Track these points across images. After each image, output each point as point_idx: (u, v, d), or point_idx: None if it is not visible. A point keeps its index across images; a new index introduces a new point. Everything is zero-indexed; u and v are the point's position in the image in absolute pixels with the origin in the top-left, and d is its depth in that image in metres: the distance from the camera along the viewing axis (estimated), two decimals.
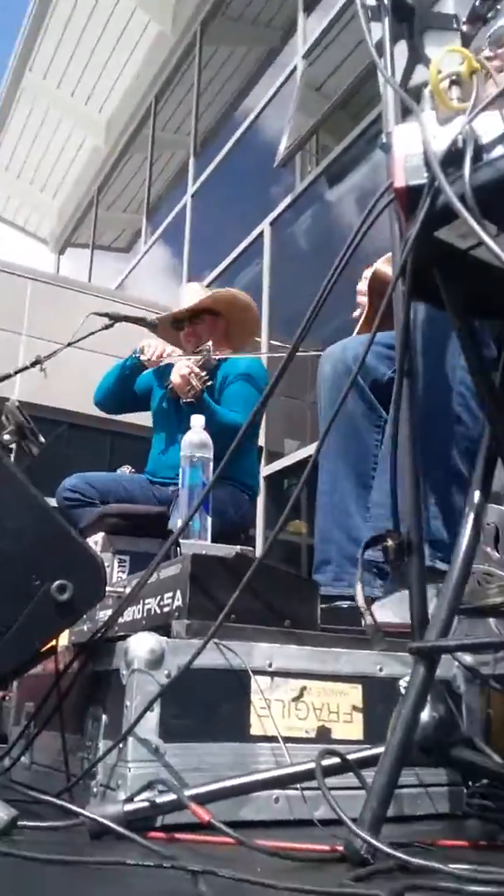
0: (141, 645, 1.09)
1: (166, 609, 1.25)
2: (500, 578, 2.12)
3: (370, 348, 1.29)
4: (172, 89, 9.77)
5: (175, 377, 2.58)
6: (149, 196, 10.28)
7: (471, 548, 0.99)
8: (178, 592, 1.21)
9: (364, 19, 1.33)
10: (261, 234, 6.93)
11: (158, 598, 1.28)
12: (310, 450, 5.54)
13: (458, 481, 1.55)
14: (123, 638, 1.14)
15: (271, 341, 6.14)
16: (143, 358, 2.89)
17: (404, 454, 1.08)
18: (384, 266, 1.84)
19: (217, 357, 2.68)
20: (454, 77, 1.04)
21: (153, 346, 2.89)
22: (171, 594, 1.24)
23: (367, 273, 1.94)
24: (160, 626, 1.23)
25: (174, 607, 1.22)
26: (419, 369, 1.59)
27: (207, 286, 3.38)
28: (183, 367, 2.56)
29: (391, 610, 1.40)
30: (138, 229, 10.50)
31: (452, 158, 0.94)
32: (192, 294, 3.02)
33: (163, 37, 9.29)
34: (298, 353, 1.26)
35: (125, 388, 3.02)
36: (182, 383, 2.52)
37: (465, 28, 1.38)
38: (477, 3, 1.35)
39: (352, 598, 1.57)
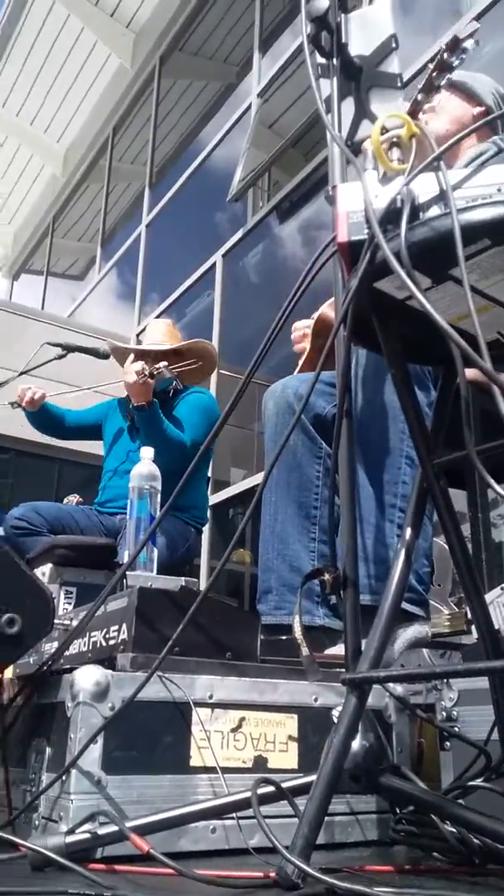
0: (86, 678, 1.11)
1: (112, 642, 1.27)
2: (434, 609, 2.19)
3: (314, 386, 1.35)
4: (130, 121, 9.89)
5: (129, 376, 2.62)
6: (104, 225, 10.34)
7: (402, 581, 1.04)
8: (124, 625, 1.24)
9: (314, 77, 1.40)
10: (213, 266, 7.02)
11: (104, 630, 1.30)
12: (255, 479, 5.59)
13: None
14: (69, 670, 1.16)
15: (221, 370, 6.20)
16: (17, 399, 3.03)
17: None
18: (328, 309, 1.91)
19: (168, 372, 2.75)
20: (395, 139, 1.11)
21: (24, 389, 3.02)
22: (116, 627, 1.26)
23: (299, 324, 2.03)
24: (105, 658, 1.24)
25: (119, 640, 1.24)
26: (365, 409, 1.65)
27: (158, 316, 3.46)
28: (137, 363, 2.62)
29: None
30: (93, 257, 10.53)
31: (391, 216, 1.00)
32: (162, 330, 3.10)
33: (122, 70, 9.42)
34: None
35: (44, 427, 3.16)
36: (135, 377, 2.57)
37: (433, 76, 1.46)
38: (446, 55, 1.43)
39: (291, 627, 1.61)
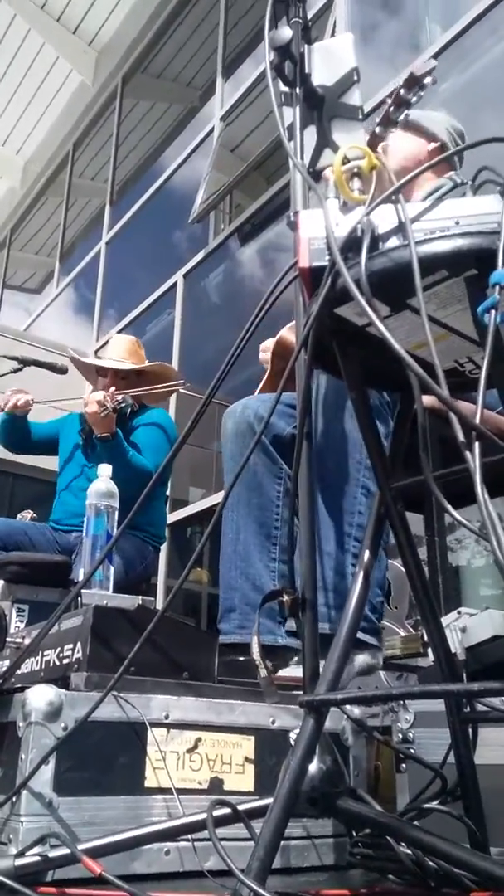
0: (39, 697, 1.10)
1: (66, 661, 1.25)
2: (391, 631, 2.21)
3: (275, 408, 1.36)
4: (91, 138, 9.89)
5: (90, 407, 2.60)
6: (63, 240, 10.29)
7: (360, 605, 1.05)
8: (79, 644, 1.23)
9: (276, 104, 1.43)
10: (174, 285, 7.04)
11: (58, 649, 1.29)
12: (214, 499, 5.58)
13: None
14: (21, 689, 1.14)
15: (181, 390, 6.19)
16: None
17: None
18: (287, 333, 1.94)
19: (132, 399, 2.75)
20: (356, 170, 1.14)
21: (10, 393, 2.94)
22: (71, 646, 1.25)
23: (267, 344, 2.04)
24: (59, 677, 1.23)
25: (74, 659, 1.23)
26: (323, 437, 1.67)
27: (121, 331, 3.42)
28: (97, 394, 2.60)
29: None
30: (51, 271, 10.47)
31: (351, 245, 1.02)
32: (125, 347, 3.08)
33: (84, 87, 9.43)
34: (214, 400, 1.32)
35: (12, 437, 3.06)
36: (97, 409, 2.55)
37: (390, 111, 1.50)
38: (402, 91, 1.48)
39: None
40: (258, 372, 2.16)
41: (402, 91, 1.38)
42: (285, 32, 1.39)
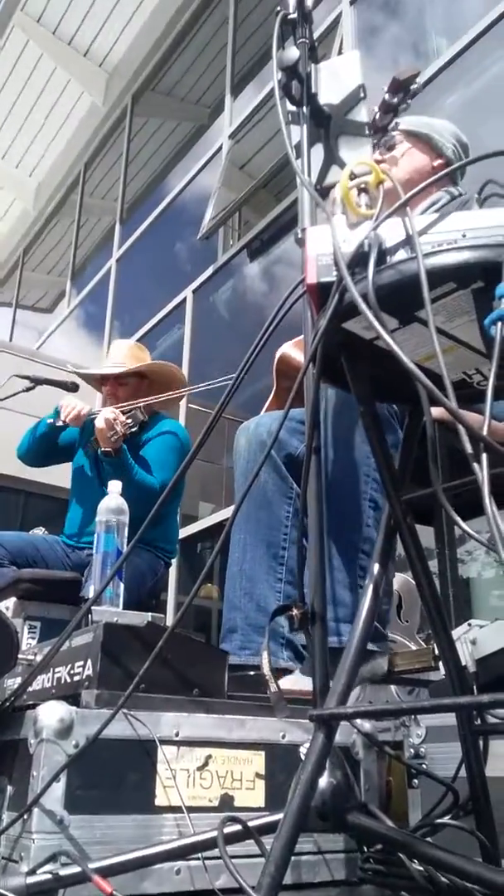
0: (50, 714, 1.09)
1: (76, 678, 1.25)
2: (402, 645, 2.20)
3: (283, 424, 1.36)
4: (102, 157, 10.01)
5: (99, 421, 2.59)
6: (74, 259, 10.39)
7: (369, 618, 1.05)
8: (89, 661, 1.22)
9: (284, 123, 1.44)
10: (183, 301, 7.08)
11: (69, 666, 1.29)
12: (224, 514, 5.58)
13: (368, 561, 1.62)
14: (32, 706, 1.14)
15: (190, 405, 6.22)
16: (62, 417, 2.87)
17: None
18: (291, 349, 1.94)
19: (143, 411, 2.75)
20: (363, 185, 1.15)
21: (69, 406, 2.87)
22: (81, 663, 1.25)
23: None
24: (70, 695, 1.23)
25: (84, 676, 1.23)
26: (332, 450, 1.67)
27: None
28: (108, 412, 2.60)
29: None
30: (62, 291, 10.56)
31: (359, 260, 1.03)
32: (122, 352, 3.06)
33: (95, 108, 9.56)
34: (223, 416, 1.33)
35: (45, 446, 3.00)
36: (105, 428, 2.55)
37: (377, 117, 1.52)
38: (387, 96, 1.49)
39: (256, 666, 1.61)
40: (268, 387, 2.16)
41: (386, 97, 1.40)
42: (292, 52, 1.41)
